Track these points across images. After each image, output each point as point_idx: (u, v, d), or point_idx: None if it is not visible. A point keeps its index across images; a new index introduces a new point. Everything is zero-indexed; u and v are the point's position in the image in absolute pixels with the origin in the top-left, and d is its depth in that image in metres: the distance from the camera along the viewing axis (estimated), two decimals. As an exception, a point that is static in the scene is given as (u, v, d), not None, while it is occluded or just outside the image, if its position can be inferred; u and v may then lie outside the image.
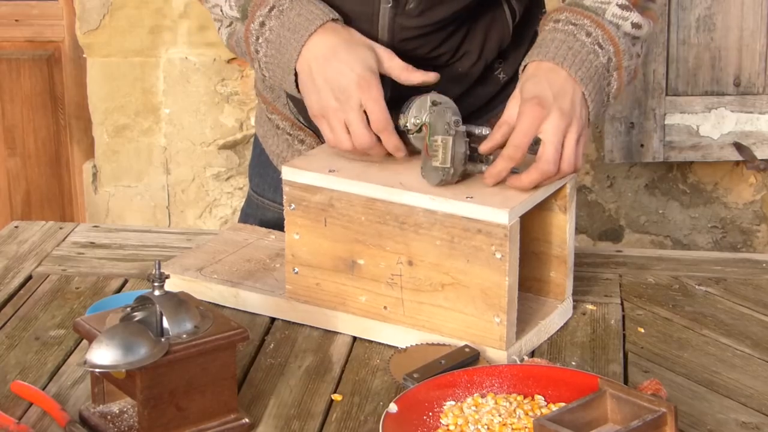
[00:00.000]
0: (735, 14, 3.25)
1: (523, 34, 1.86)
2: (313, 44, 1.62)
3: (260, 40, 1.65)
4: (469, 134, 1.58)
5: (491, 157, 1.59)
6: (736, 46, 3.27)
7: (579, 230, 3.50)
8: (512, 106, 1.59)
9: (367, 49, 1.63)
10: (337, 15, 1.65)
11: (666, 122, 3.29)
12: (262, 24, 1.64)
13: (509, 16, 1.80)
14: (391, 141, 1.60)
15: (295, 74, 1.65)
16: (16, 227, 2.01)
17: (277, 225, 1.88)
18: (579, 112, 1.58)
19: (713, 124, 3.30)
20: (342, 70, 1.59)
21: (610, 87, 1.62)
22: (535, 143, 1.55)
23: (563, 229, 1.64)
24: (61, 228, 2.00)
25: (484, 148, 1.58)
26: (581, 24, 1.61)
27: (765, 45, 3.27)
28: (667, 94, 3.29)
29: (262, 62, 1.68)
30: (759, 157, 3.33)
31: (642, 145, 3.31)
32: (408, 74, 1.64)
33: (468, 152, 1.56)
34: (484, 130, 1.60)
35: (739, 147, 3.32)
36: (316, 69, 1.61)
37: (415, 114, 1.61)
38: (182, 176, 3.56)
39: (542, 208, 1.62)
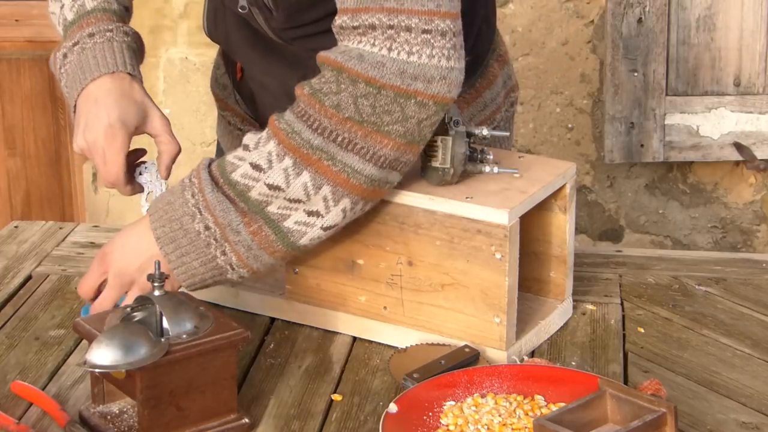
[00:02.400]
0: (735, 14, 3.25)
1: (467, 31, 1.76)
2: (92, 86, 1.63)
3: (62, 70, 1.68)
4: (469, 134, 1.58)
5: (491, 157, 1.59)
6: (736, 46, 3.27)
7: (579, 230, 3.50)
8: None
9: (134, 105, 1.63)
10: (133, 71, 1.65)
11: (666, 122, 3.29)
12: (65, 56, 1.67)
13: None
14: (124, 191, 1.70)
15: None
16: (16, 227, 2.01)
17: None
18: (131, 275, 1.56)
19: (713, 124, 3.30)
20: (99, 116, 1.61)
21: (226, 257, 1.53)
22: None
23: (563, 229, 1.64)
24: (61, 228, 2.00)
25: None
26: (192, 182, 1.55)
27: (765, 45, 3.27)
28: (667, 94, 3.29)
29: (64, 91, 1.70)
30: (759, 157, 3.33)
31: (642, 145, 3.31)
32: (165, 145, 1.67)
33: (468, 152, 1.56)
34: (484, 130, 1.60)
35: (739, 147, 3.31)
36: (82, 109, 1.63)
37: None
38: (182, 176, 3.55)
39: (542, 208, 1.62)
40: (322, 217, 1.51)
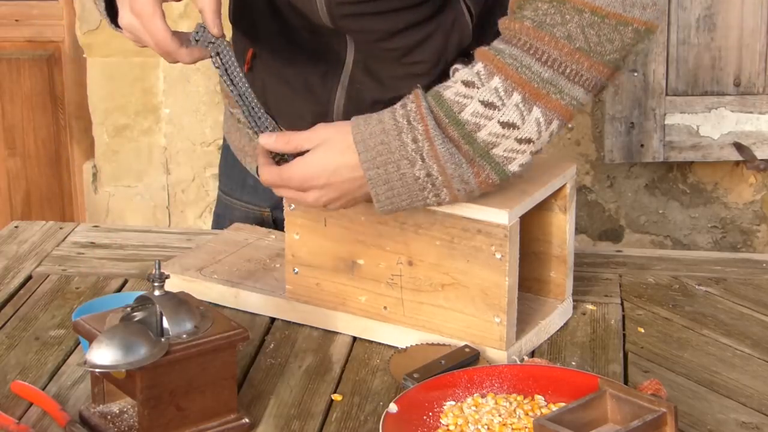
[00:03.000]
0: (735, 14, 3.25)
1: (486, 34, 1.81)
2: None
3: None
4: None
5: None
6: (736, 46, 3.27)
7: (579, 230, 3.50)
8: (309, 138, 1.50)
9: None
10: None
11: (666, 122, 3.29)
12: None
13: (468, 17, 1.77)
14: (184, 58, 1.53)
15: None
16: (16, 227, 2.01)
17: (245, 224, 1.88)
18: (343, 205, 1.53)
19: (713, 124, 3.30)
20: None
21: (439, 198, 1.49)
22: None
23: (563, 229, 1.64)
24: (61, 228, 2.00)
25: (262, 141, 1.52)
26: (414, 126, 1.46)
27: (765, 45, 3.27)
28: (667, 94, 3.29)
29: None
30: (759, 157, 3.33)
31: (642, 145, 3.31)
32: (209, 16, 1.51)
33: None
34: None
35: (739, 147, 3.32)
36: None
37: None
38: (182, 176, 3.56)
39: (542, 208, 1.62)
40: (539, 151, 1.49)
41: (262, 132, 1.55)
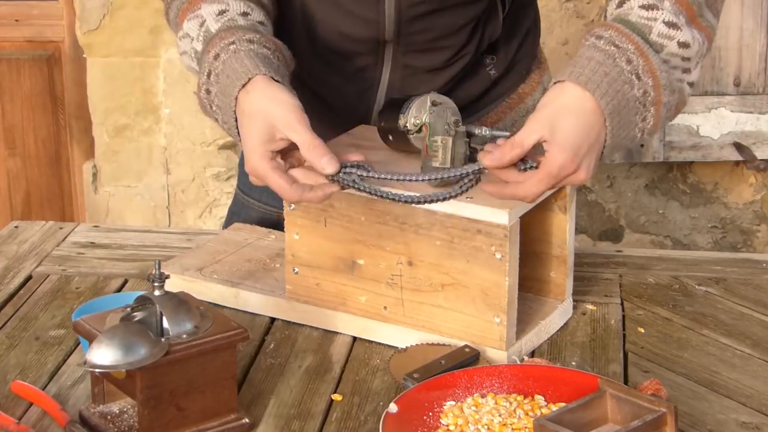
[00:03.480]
0: (735, 14, 3.25)
1: (515, 30, 1.85)
2: (238, 109, 1.53)
3: (213, 108, 1.58)
4: (469, 134, 1.58)
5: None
6: (736, 46, 3.27)
7: (579, 230, 3.50)
8: (530, 129, 1.43)
9: (261, 123, 1.49)
10: (260, 69, 1.51)
11: (666, 122, 3.29)
12: (208, 91, 1.57)
13: (500, 10, 1.80)
14: (314, 197, 1.49)
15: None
16: (16, 227, 2.01)
17: (262, 225, 1.88)
18: (596, 166, 1.52)
19: (713, 124, 3.30)
20: (246, 153, 1.52)
21: (645, 122, 1.49)
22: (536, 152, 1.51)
23: (563, 229, 1.64)
24: (61, 228, 2.00)
25: (488, 162, 1.44)
26: (624, 48, 1.46)
27: (765, 45, 3.27)
28: (667, 94, 3.28)
29: (225, 128, 1.60)
30: (759, 157, 3.33)
31: (642, 145, 3.31)
32: (312, 154, 1.48)
33: (468, 152, 1.56)
34: (484, 130, 1.60)
35: (739, 147, 3.32)
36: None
37: (415, 114, 1.61)
38: (182, 176, 3.56)
39: (542, 208, 1.62)
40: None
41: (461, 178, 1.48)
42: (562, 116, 1.44)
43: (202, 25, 1.61)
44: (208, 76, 1.55)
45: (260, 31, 1.59)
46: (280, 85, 1.51)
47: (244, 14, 1.61)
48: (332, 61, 1.78)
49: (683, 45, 1.49)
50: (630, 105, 1.46)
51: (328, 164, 1.46)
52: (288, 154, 1.50)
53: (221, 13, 1.60)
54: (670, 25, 1.48)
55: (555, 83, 1.47)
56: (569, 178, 1.46)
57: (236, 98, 1.51)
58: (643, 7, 1.49)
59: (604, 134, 1.47)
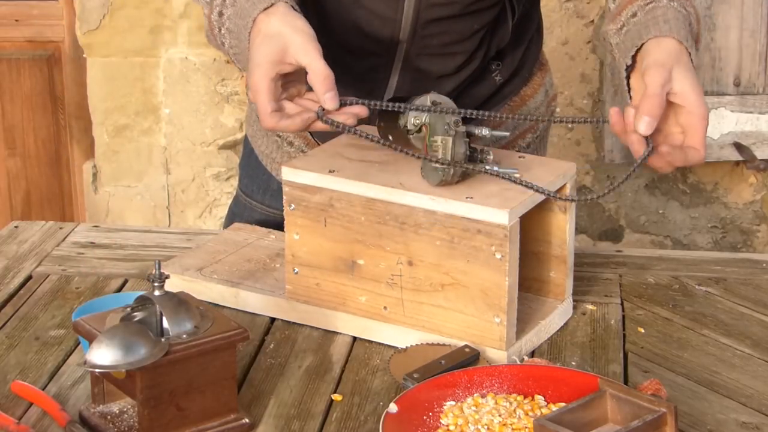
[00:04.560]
0: (735, 14, 3.26)
1: (521, 36, 1.86)
2: (254, 30, 1.56)
3: (222, 31, 1.62)
4: (469, 134, 1.58)
5: (491, 157, 1.59)
6: (736, 46, 3.27)
7: (579, 230, 3.50)
8: (655, 80, 1.50)
9: (275, 44, 1.52)
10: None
11: (666, 122, 3.29)
12: (221, 14, 1.61)
13: (510, 16, 1.81)
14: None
15: None
16: (16, 227, 2.00)
17: (264, 227, 1.88)
18: None
19: (713, 124, 3.30)
20: (251, 68, 1.54)
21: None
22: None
23: (563, 229, 1.64)
24: (61, 228, 2.00)
25: (647, 130, 1.49)
26: (689, 11, 1.59)
27: (765, 45, 3.27)
28: (667, 94, 3.28)
29: (230, 53, 1.64)
30: (759, 157, 3.33)
31: (642, 145, 3.30)
32: (321, 84, 1.51)
33: (468, 152, 1.56)
34: (484, 131, 1.60)
35: (739, 147, 3.32)
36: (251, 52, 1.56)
37: (415, 114, 1.61)
38: (182, 176, 3.56)
39: (542, 208, 1.62)
40: None
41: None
42: (676, 67, 1.51)
43: None
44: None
45: None
46: (300, 15, 1.54)
47: None
48: (343, 59, 1.78)
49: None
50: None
51: (330, 99, 1.50)
52: (290, 83, 1.53)
53: None
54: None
55: (649, 40, 1.54)
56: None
57: (254, 19, 1.54)
58: None
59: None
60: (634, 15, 1.62)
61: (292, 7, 1.56)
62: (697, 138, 1.50)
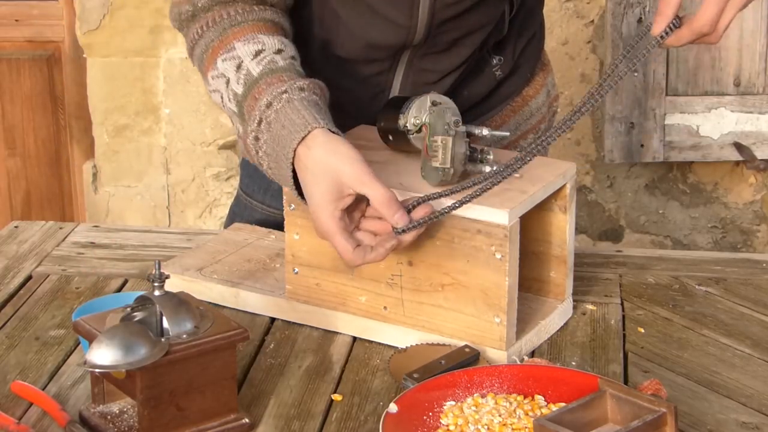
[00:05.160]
0: (735, 14, 3.25)
1: (522, 31, 1.86)
2: (298, 164, 1.53)
3: (260, 154, 1.58)
4: (469, 134, 1.58)
5: (491, 157, 1.59)
6: (736, 46, 3.27)
7: (579, 230, 3.50)
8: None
9: (328, 180, 1.50)
10: (319, 122, 1.52)
11: (666, 122, 3.30)
12: (257, 138, 1.58)
13: (507, 11, 1.81)
14: (379, 255, 1.51)
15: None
16: (16, 227, 2.01)
17: (264, 226, 1.87)
18: None
19: (713, 124, 3.30)
20: (313, 209, 1.52)
21: None
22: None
23: (563, 229, 1.64)
24: (61, 228, 2.00)
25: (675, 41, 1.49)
26: None
27: (765, 45, 3.27)
28: (667, 94, 3.29)
29: (269, 173, 1.60)
30: (759, 157, 3.33)
31: (642, 145, 3.31)
32: (387, 209, 1.49)
33: (468, 152, 1.56)
34: (484, 131, 1.60)
35: (739, 147, 3.32)
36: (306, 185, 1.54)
37: (415, 114, 1.61)
38: (182, 176, 3.56)
39: (542, 208, 1.62)
40: None
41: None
42: None
43: (239, 67, 1.61)
44: (259, 123, 1.55)
45: (301, 72, 1.61)
46: (340, 138, 1.51)
47: (279, 51, 1.61)
48: (345, 66, 1.78)
49: None
50: None
51: (400, 219, 1.49)
52: (351, 208, 1.52)
53: (258, 53, 1.60)
54: None
55: None
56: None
57: (294, 151, 1.51)
58: None
59: None
60: None
61: (329, 129, 1.52)
62: (705, 10, 1.47)
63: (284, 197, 1.64)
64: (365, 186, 1.48)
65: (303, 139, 1.51)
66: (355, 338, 1.63)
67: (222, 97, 1.64)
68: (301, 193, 1.55)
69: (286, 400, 1.48)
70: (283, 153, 1.53)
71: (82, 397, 1.49)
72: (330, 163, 1.49)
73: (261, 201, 1.97)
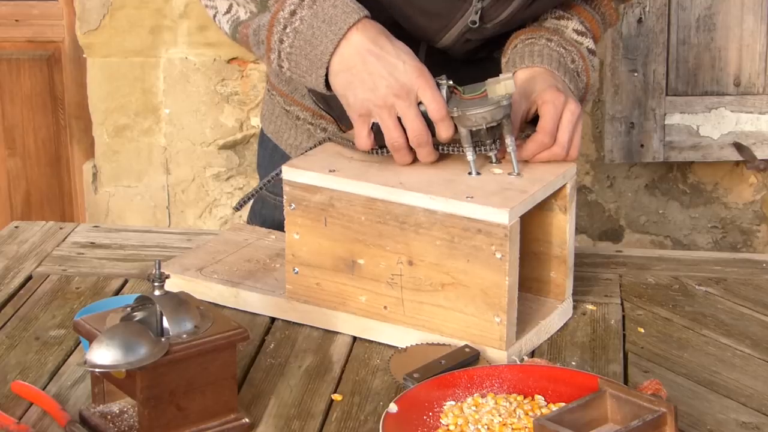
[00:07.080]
0: (735, 14, 3.25)
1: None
2: (353, 39, 1.55)
3: (287, 30, 1.57)
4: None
5: (495, 145, 1.59)
6: (736, 46, 3.27)
7: (579, 230, 3.50)
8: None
9: (403, 44, 1.58)
10: (368, 13, 1.57)
11: (666, 122, 3.29)
12: (293, 12, 1.56)
13: None
14: (448, 129, 1.57)
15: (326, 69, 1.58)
16: (16, 227, 2.01)
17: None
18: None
19: (713, 124, 3.30)
20: (395, 65, 1.54)
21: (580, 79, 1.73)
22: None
23: (563, 229, 1.64)
24: (61, 228, 2.00)
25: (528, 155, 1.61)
26: (570, 50, 1.72)
27: (765, 45, 3.27)
28: (667, 94, 3.29)
29: (284, 52, 1.59)
30: (759, 157, 3.33)
31: (642, 145, 3.31)
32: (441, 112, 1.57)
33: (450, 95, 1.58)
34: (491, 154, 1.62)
35: (739, 147, 3.32)
36: (362, 66, 1.55)
37: None
38: (182, 176, 3.56)
39: (542, 208, 1.62)
40: None
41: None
42: (538, 80, 1.66)
43: None
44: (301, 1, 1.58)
45: None
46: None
47: None
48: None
49: (591, 51, 1.79)
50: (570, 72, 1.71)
51: (446, 129, 1.57)
52: None
53: None
54: (579, 32, 1.77)
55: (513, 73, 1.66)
56: (568, 108, 1.61)
57: (351, 27, 1.55)
58: (576, 31, 1.75)
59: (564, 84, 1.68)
60: (515, 47, 1.73)
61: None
62: (544, 122, 1.60)
63: (284, 197, 1.64)
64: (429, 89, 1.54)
65: (358, 20, 1.55)
66: (355, 338, 1.63)
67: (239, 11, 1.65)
68: (328, 85, 1.58)
69: (286, 400, 1.48)
70: (330, 29, 1.55)
71: (82, 396, 1.49)
72: (397, 44, 1.57)
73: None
